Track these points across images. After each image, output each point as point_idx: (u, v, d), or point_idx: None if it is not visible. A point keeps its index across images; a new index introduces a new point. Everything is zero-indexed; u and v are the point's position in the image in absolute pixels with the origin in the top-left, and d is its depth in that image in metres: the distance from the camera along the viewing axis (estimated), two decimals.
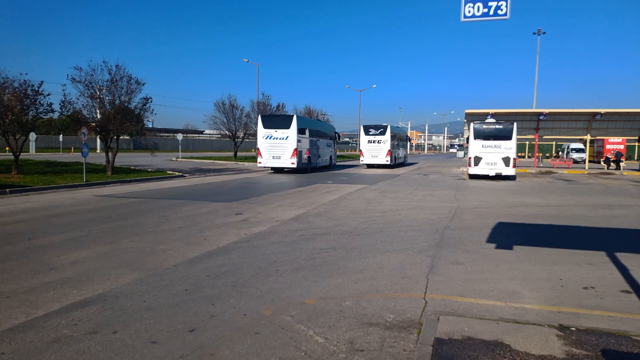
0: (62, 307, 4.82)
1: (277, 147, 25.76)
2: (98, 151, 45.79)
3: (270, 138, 25.90)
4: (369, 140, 33.28)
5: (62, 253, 7.03)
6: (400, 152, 39.00)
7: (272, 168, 27.62)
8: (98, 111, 21.02)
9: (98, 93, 20.53)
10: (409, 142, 51.10)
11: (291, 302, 5.09)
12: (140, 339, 4.07)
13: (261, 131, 26.25)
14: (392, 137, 33.81)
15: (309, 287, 5.62)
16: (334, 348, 3.94)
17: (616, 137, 40.71)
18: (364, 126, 34.08)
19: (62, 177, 18.78)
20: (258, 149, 26.44)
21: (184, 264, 6.53)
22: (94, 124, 20.62)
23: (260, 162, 26.48)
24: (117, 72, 20.34)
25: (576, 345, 3.88)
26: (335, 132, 37.04)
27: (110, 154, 21.12)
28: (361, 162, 34.40)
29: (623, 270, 6.47)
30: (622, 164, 34.85)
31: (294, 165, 25.75)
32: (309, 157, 27.80)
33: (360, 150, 34.19)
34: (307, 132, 27.68)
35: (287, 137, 25.57)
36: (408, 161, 46.56)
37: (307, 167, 27.88)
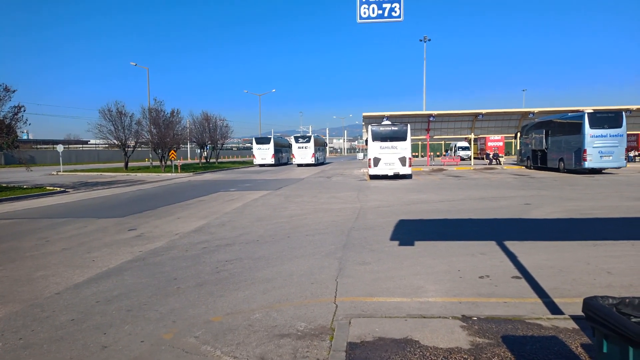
0: None
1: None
2: None
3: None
4: (298, 147, 46.70)
5: None
6: (321, 155, 54.26)
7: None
8: None
9: None
10: (327, 147, 75.18)
11: (195, 321, 4.71)
12: None
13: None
14: (315, 143, 47.52)
15: (215, 303, 5.27)
16: None
17: (496, 135, 45.00)
18: (295, 136, 48.26)
19: None
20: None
21: (68, 291, 5.78)
22: None
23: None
24: None
25: (479, 334, 4.03)
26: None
27: None
28: (293, 162, 48.07)
29: (512, 257, 7.01)
30: (501, 159, 39.04)
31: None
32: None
33: (292, 154, 47.96)
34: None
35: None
36: (326, 161, 62.16)
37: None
